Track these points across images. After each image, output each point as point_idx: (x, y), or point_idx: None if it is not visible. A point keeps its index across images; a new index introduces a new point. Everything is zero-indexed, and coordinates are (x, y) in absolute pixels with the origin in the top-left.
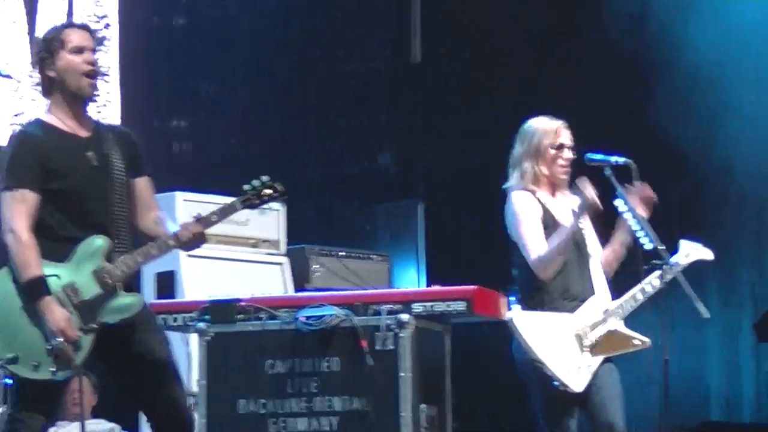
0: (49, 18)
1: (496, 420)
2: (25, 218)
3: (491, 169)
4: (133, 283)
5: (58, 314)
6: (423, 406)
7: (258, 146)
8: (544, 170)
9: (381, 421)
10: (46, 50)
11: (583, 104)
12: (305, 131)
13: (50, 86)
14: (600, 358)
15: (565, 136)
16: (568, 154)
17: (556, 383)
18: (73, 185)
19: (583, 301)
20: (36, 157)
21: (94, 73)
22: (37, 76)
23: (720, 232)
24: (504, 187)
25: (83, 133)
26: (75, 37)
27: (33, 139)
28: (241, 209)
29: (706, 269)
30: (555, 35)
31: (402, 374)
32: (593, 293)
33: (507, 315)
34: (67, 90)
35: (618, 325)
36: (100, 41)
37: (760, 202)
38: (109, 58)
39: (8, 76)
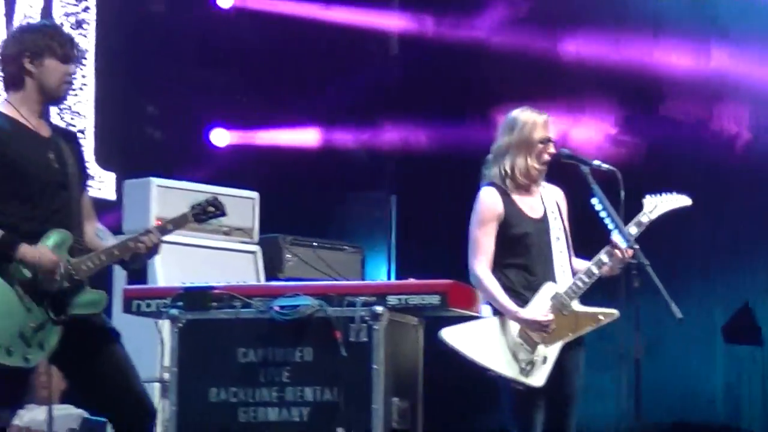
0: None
1: (467, 415)
2: None
3: (463, 161)
4: (101, 273)
5: (44, 252)
6: (395, 399)
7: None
8: (533, 163)
9: (352, 413)
10: (34, 46)
11: None
12: (286, 115)
13: (22, 80)
14: (557, 347)
15: (551, 130)
16: (552, 148)
17: (515, 383)
18: (36, 182)
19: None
20: None
21: (71, 80)
22: None
23: None
24: (482, 178)
25: (44, 133)
26: (65, 49)
27: None
28: (192, 221)
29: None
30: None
31: (375, 367)
32: (554, 281)
33: (440, 335)
34: (43, 89)
35: (572, 304)
36: (79, 24)
37: None
38: (87, 41)
39: None
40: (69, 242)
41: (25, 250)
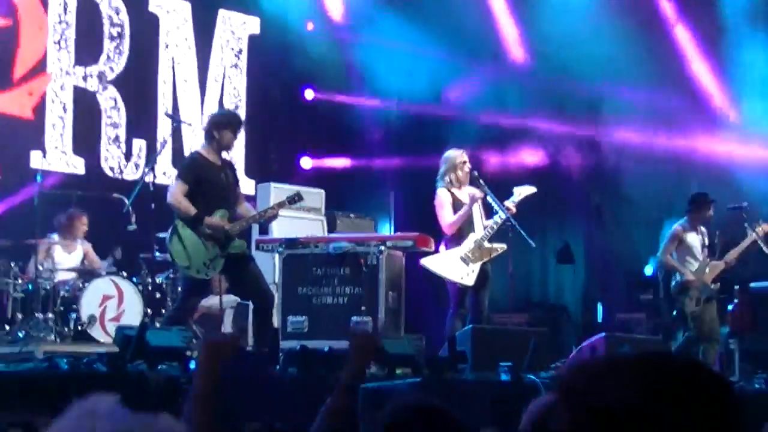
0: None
1: (424, 303)
2: (182, 193)
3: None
4: (245, 233)
5: (216, 220)
6: (390, 292)
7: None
8: (460, 175)
9: (369, 300)
10: (222, 123)
11: None
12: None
13: (212, 138)
14: (479, 264)
15: (466, 157)
16: (467, 167)
17: (458, 284)
18: (214, 189)
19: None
20: (195, 170)
21: (234, 145)
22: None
23: None
24: (437, 186)
25: (218, 163)
26: (235, 128)
27: (197, 160)
28: (287, 206)
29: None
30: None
31: (380, 277)
32: (474, 233)
33: (421, 262)
34: (220, 143)
35: (484, 244)
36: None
37: None
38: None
39: (187, 123)
40: (227, 215)
41: (208, 219)
